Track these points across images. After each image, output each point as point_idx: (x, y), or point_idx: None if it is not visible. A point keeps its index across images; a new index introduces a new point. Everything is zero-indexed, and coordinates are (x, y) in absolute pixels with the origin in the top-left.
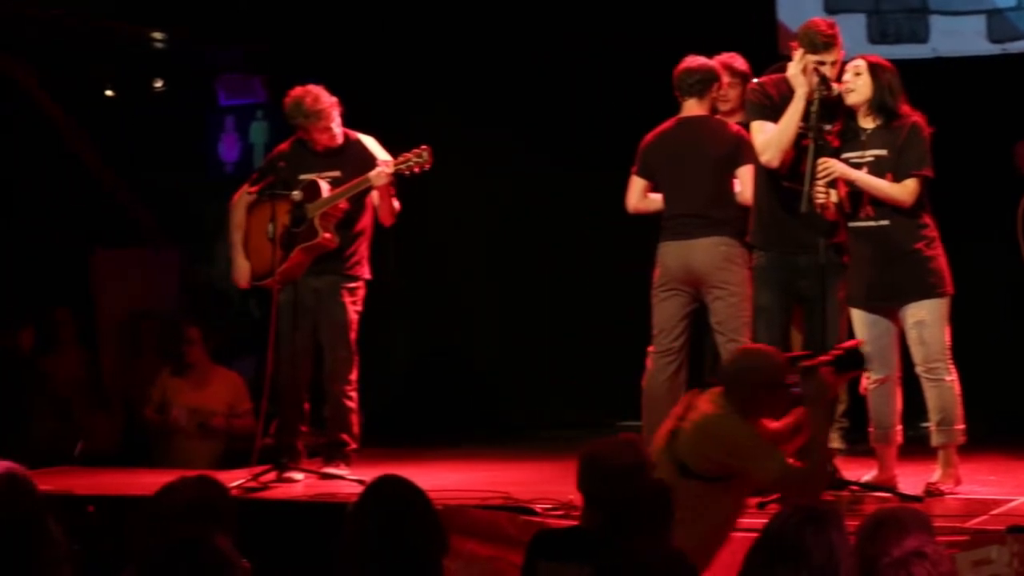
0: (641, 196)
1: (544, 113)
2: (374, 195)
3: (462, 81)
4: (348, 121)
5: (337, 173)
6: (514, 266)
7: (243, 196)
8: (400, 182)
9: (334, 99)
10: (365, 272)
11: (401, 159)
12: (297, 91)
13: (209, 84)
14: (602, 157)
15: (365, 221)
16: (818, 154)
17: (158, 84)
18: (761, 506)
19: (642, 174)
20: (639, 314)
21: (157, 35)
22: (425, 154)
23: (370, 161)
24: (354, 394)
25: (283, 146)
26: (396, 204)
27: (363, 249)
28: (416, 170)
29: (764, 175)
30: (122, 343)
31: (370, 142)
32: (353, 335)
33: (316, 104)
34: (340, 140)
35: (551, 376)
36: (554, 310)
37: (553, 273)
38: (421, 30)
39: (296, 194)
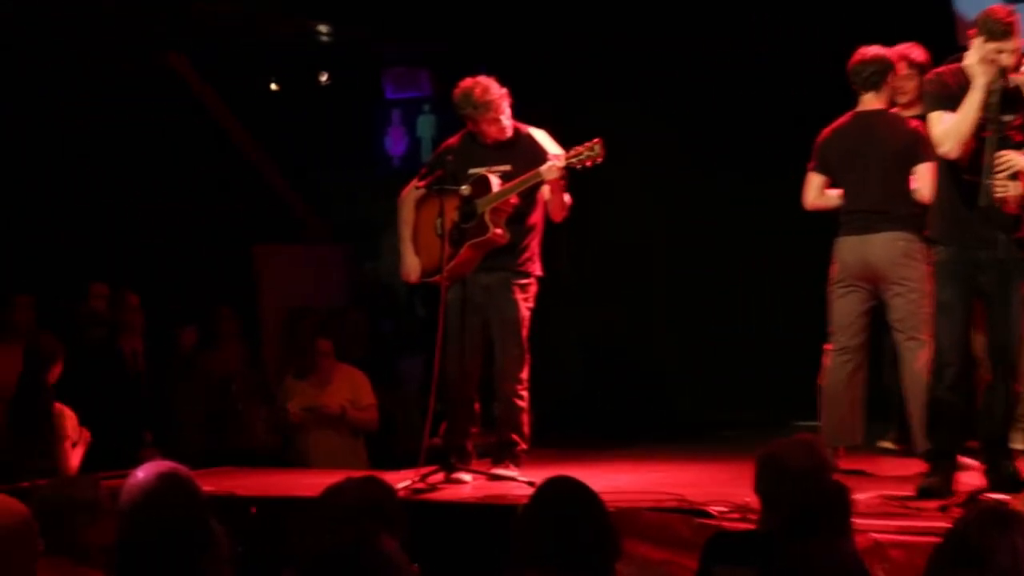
0: (819, 192)
1: (718, 109)
2: (545, 190)
3: (635, 77)
4: (518, 115)
5: (507, 167)
6: (688, 262)
7: (411, 191)
8: (572, 176)
9: (504, 91)
10: (537, 268)
11: (573, 153)
12: (467, 82)
13: (375, 78)
14: (778, 154)
15: (536, 216)
16: (999, 146)
17: (323, 78)
18: (943, 509)
19: (819, 170)
20: (816, 311)
21: (322, 28)
22: (597, 147)
23: (541, 155)
24: (525, 393)
25: (452, 140)
26: (568, 199)
27: (534, 245)
28: (588, 164)
29: (945, 168)
30: (284, 338)
31: (541, 135)
32: (524, 332)
33: (486, 95)
34: (510, 133)
35: (727, 374)
36: (729, 307)
37: (728, 269)
38: (594, 25)
39: (465, 189)
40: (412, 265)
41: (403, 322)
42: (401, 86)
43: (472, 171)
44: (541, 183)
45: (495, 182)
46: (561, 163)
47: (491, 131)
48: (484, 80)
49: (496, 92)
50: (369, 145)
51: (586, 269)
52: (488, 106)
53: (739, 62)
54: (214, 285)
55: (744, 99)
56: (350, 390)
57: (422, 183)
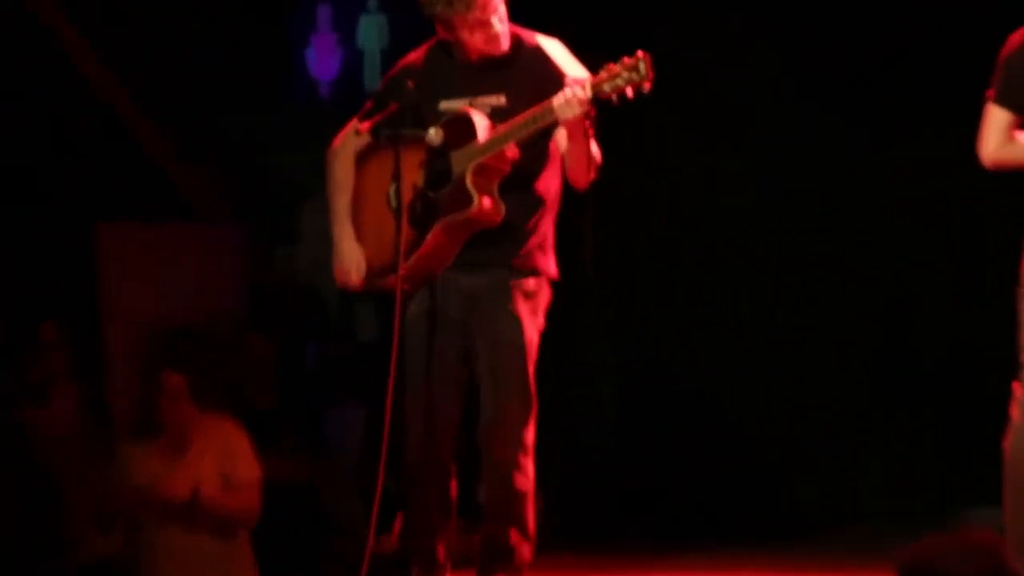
0: (1005, 137)
1: (818, 43)
2: (560, 136)
3: None
4: (523, 17)
5: (501, 98)
6: (785, 258)
7: (349, 138)
8: (604, 115)
9: None
10: (549, 266)
11: (604, 74)
12: None
13: None
14: (910, 106)
15: (548, 180)
16: None
17: None
18: None
19: (1007, 101)
20: (989, 332)
21: None
22: (643, 66)
23: (555, 79)
24: (530, 463)
25: (413, 56)
26: (596, 152)
27: (545, 227)
28: (629, 92)
29: None
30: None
31: (555, 48)
32: (531, 367)
33: None
34: (506, 45)
35: (846, 440)
36: (841, 332)
37: (836, 275)
38: None
39: (435, 134)
40: (351, 258)
41: (335, 349)
42: None
43: (445, 105)
44: (555, 125)
45: (481, 124)
46: (586, 92)
47: (476, 40)
48: None
49: None
50: (282, 65)
51: (625, 268)
52: (470, 5)
53: None
54: (32, 287)
55: (849, 30)
56: (217, 460)
57: (365, 125)
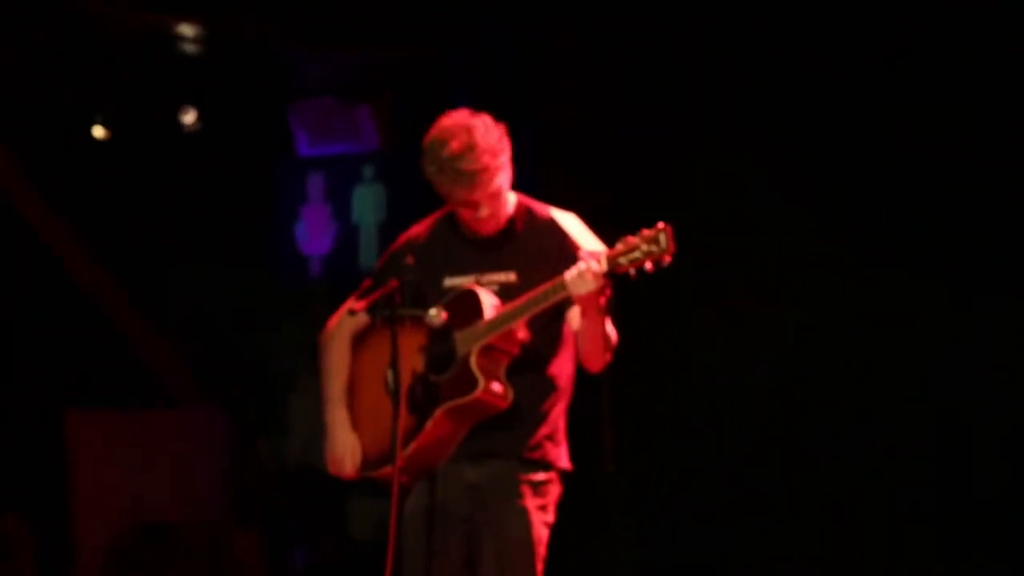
0: None
1: (877, 173)
2: (573, 315)
3: (735, 111)
4: (530, 185)
5: (511, 276)
6: (811, 431)
7: (344, 320)
8: (620, 289)
9: (504, 146)
10: (561, 457)
11: (622, 246)
12: (443, 123)
13: (279, 118)
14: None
15: (561, 364)
16: None
17: (189, 118)
18: None
19: None
20: None
21: (188, 30)
22: (663, 238)
23: (569, 253)
24: None
25: (416, 229)
26: (612, 332)
27: (556, 414)
28: (648, 266)
29: None
30: None
31: (569, 222)
32: (540, 566)
33: (473, 150)
34: (497, 226)
35: None
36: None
37: (894, 449)
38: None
39: (435, 313)
40: (346, 446)
41: (326, 550)
42: (324, 133)
43: (450, 283)
44: (568, 301)
45: (488, 301)
46: (601, 267)
47: (466, 217)
48: (471, 121)
49: (493, 143)
50: (269, 238)
51: (648, 460)
52: (475, 174)
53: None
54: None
55: (926, 147)
56: None
57: (362, 304)
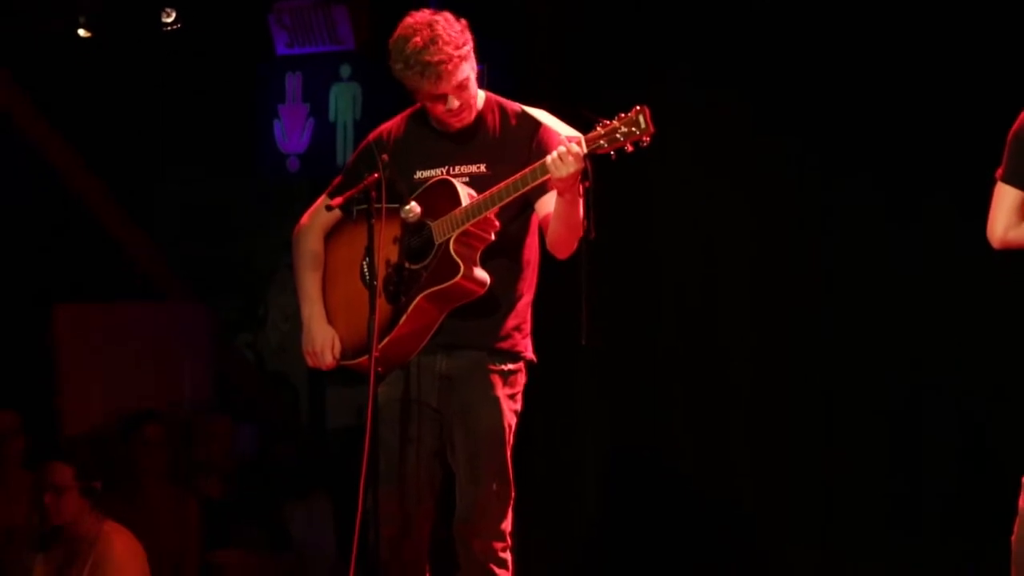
0: (1016, 217)
1: (839, 89)
2: (545, 201)
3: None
4: (503, 86)
5: (481, 167)
6: (804, 328)
7: (318, 214)
8: (600, 175)
9: (466, 38)
10: (528, 347)
11: (601, 129)
12: (407, 22)
13: (256, 18)
14: (947, 153)
15: (530, 252)
16: None
17: (168, 18)
18: None
19: (1016, 180)
20: None
21: None
22: (642, 119)
23: (539, 142)
24: (508, 555)
25: (388, 124)
26: (579, 215)
27: (524, 304)
28: (628, 147)
29: None
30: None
31: (542, 114)
32: (508, 452)
33: (427, 45)
34: (470, 119)
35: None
36: (884, 419)
37: (873, 346)
38: None
39: (410, 207)
40: (323, 339)
41: (306, 446)
42: (302, 33)
43: (421, 175)
44: (538, 190)
45: (463, 191)
46: (581, 148)
47: (436, 110)
48: (432, 17)
49: (455, 35)
50: (249, 137)
51: (616, 339)
52: (439, 64)
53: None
54: None
55: (875, 74)
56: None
57: (336, 200)
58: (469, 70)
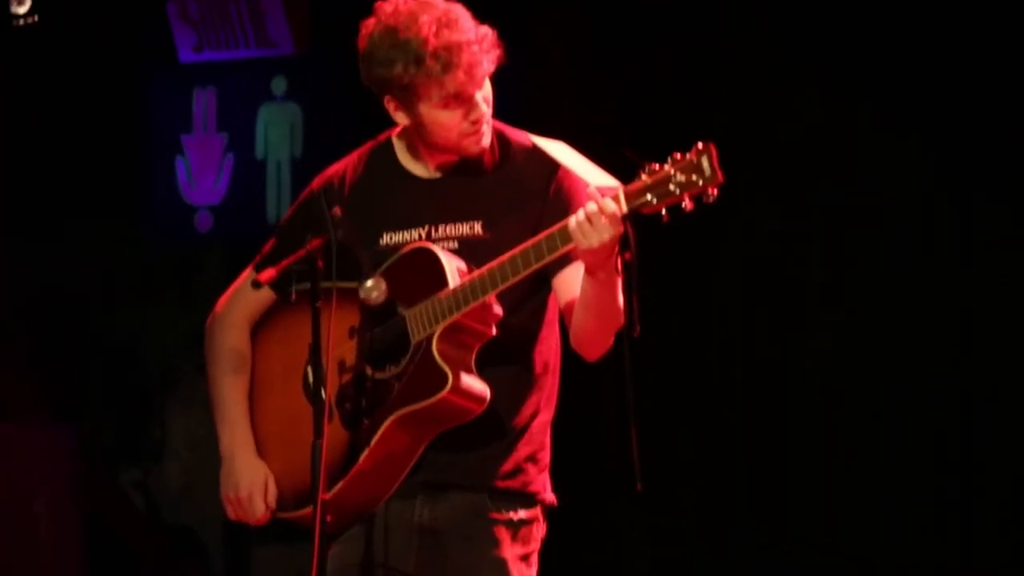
0: None
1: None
2: (565, 282)
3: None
4: (512, 112)
5: (476, 227)
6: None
7: (242, 296)
8: (646, 234)
9: (487, 31)
10: (545, 485)
11: (648, 178)
12: (388, 9)
13: (152, 5)
14: None
15: (546, 351)
16: None
17: (21, 7)
18: None
19: None
20: None
21: None
22: (707, 162)
23: (558, 192)
24: None
25: (340, 165)
26: (617, 301)
27: (539, 425)
28: (687, 203)
29: None
30: None
31: (561, 151)
32: None
33: (448, 24)
34: (487, 143)
35: None
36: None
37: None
38: None
39: (373, 284)
40: (250, 478)
41: None
42: (217, 31)
43: (390, 239)
44: (561, 261)
45: (451, 264)
46: (619, 207)
47: (446, 126)
48: (439, 4)
49: (467, 32)
50: (137, 180)
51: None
52: (467, 48)
53: None
54: None
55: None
56: None
57: (267, 274)
58: (486, 78)
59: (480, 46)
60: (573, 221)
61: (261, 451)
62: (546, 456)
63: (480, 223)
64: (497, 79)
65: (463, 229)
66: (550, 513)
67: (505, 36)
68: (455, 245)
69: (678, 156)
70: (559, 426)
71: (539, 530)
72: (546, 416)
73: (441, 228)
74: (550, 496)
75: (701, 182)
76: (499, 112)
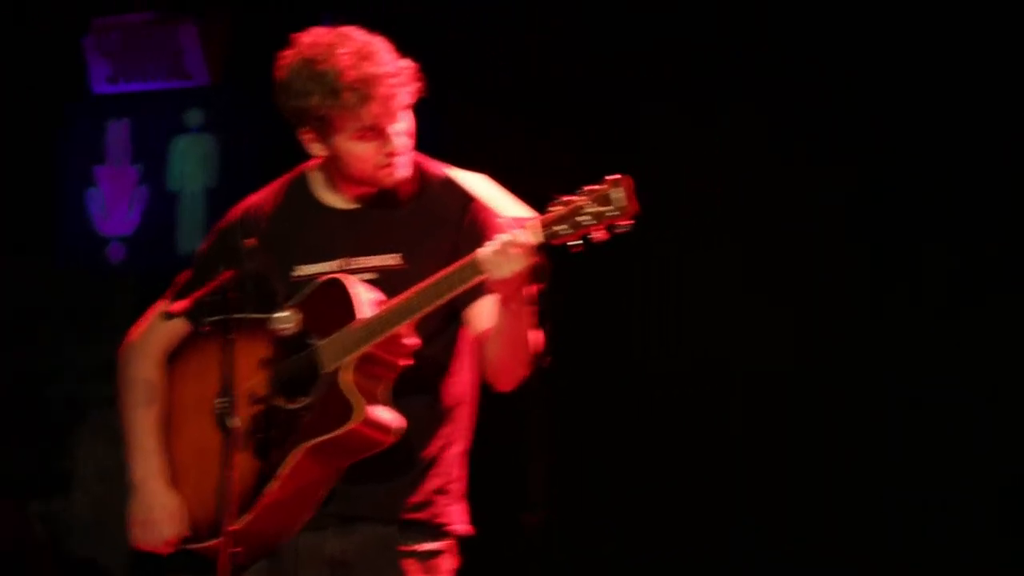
0: None
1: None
2: (478, 313)
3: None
4: (434, 145)
5: (395, 258)
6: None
7: (155, 327)
8: (558, 267)
9: (406, 64)
10: (459, 518)
11: (562, 209)
12: (309, 38)
13: (66, 35)
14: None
15: (459, 383)
16: None
17: None
18: None
19: None
20: None
21: None
22: (618, 194)
23: (473, 224)
24: None
25: (257, 197)
26: (528, 332)
27: (451, 456)
28: (599, 233)
29: None
30: None
31: (477, 183)
32: None
33: (367, 56)
34: (401, 176)
35: None
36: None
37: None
38: None
39: (286, 317)
40: (160, 508)
41: None
42: (132, 61)
43: (304, 271)
44: (472, 293)
45: (364, 296)
46: (531, 237)
47: (362, 158)
48: (345, 29)
49: (385, 65)
50: (49, 211)
51: (593, 503)
52: (386, 79)
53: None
54: None
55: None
56: None
57: (180, 305)
58: (408, 110)
59: (398, 79)
60: (485, 251)
61: (174, 481)
62: (459, 487)
63: (399, 255)
64: (419, 112)
65: (379, 260)
66: (462, 542)
67: (425, 72)
68: (375, 276)
69: (588, 188)
70: (481, 456)
71: (450, 560)
72: (459, 448)
73: (357, 259)
74: (463, 527)
75: (612, 213)
76: (422, 144)
